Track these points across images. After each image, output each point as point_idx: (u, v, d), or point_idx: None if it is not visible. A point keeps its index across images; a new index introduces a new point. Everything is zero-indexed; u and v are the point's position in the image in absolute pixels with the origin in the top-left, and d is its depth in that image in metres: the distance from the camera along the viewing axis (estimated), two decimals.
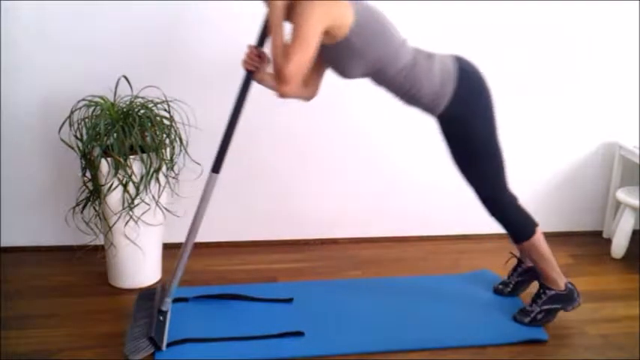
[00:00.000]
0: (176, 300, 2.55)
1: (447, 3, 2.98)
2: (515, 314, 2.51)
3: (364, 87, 2.40)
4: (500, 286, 2.74)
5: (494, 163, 2.37)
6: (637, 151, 3.12)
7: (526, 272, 2.71)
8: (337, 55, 2.17)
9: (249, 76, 2.26)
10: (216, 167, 2.32)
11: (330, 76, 2.32)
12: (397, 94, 2.29)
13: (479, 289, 2.75)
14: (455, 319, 2.51)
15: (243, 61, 2.23)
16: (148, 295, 2.55)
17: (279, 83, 2.06)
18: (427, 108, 2.30)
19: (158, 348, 2.24)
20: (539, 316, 2.47)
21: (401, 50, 2.20)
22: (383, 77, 2.24)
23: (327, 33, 2.08)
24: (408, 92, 2.25)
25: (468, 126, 2.32)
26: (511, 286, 2.72)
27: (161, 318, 2.36)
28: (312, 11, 2.02)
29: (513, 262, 2.76)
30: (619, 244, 3.12)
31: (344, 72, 2.22)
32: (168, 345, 2.27)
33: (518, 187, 3.28)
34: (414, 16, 2.98)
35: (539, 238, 2.46)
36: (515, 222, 2.45)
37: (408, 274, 2.92)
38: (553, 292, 2.48)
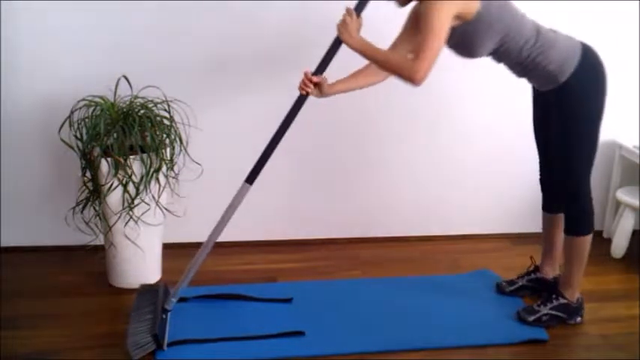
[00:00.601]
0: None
1: None
2: (520, 311, 2.51)
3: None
4: (504, 284, 2.74)
5: (589, 149, 2.39)
6: (637, 151, 3.12)
7: (538, 281, 2.72)
8: (466, 34, 2.22)
9: (302, 98, 2.33)
10: (251, 179, 2.39)
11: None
12: (523, 63, 2.32)
13: (479, 289, 2.75)
14: (455, 319, 2.51)
15: (299, 87, 2.31)
16: (150, 290, 2.53)
17: (412, 82, 2.14)
18: (551, 75, 2.31)
19: (160, 347, 2.24)
20: (545, 318, 2.47)
21: (524, 21, 2.27)
22: (511, 49, 2.28)
23: (455, 18, 2.15)
24: (534, 60, 2.29)
25: (583, 102, 2.34)
26: (515, 286, 2.72)
27: (164, 317, 2.36)
28: (441, 7, 2.09)
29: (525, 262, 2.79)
30: (619, 244, 3.11)
31: (472, 50, 2.28)
32: (168, 345, 2.27)
33: (518, 187, 3.30)
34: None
35: (588, 241, 2.49)
36: (584, 213, 2.47)
37: (408, 274, 2.92)
38: (565, 301, 2.50)
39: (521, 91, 3.18)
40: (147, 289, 2.55)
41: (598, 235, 3.42)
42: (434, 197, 3.27)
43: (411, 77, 2.12)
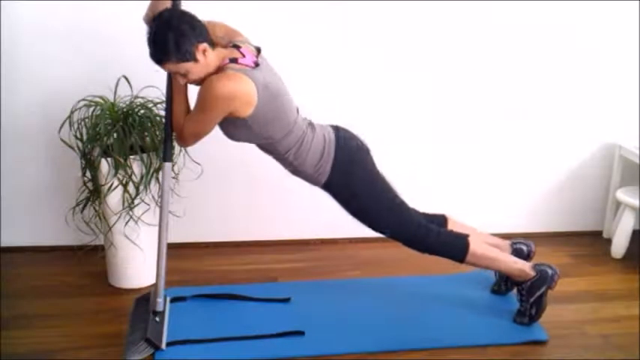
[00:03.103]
0: (175, 300, 2.56)
1: (448, 3, 2.98)
2: (515, 317, 2.50)
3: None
4: (495, 287, 2.74)
5: (384, 206, 2.37)
6: (637, 151, 3.12)
7: None
8: (230, 123, 2.19)
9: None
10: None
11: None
12: (284, 165, 2.37)
13: (479, 289, 2.75)
14: (454, 319, 2.51)
15: None
16: (143, 300, 2.51)
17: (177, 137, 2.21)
18: (310, 179, 2.35)
19: (157, 348, 2.24)
20: (533, 311, 2.46)
21: (292, 131, 2.25)
22: (271, 150, 2.31)
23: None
24: (292, 164, 2.31)
25: (350, 188, 2.34)
26: (502, 286, 2.72)
27: (157, 319, 2.35)
28: (215, 104, 2.08)
29: None
30: (619, 244, 3.11)
31: (230, 136, 2.26)
32: (168, 345, 2.27)
33: (518, 187, 3.31)
34: (414, 16, 2.98)
35: (474, 248, 2.41)
36: (442, 249, 2.43)
37: (408, 274, 2.91)
38: (528, 283, 2.46)
39: (522, 92, 3.19)
40: (140, 302, 2.52)
41: (598, 235, 3.43)
42: (434, 198, 3.26)
43: (179, 134, 2.20)
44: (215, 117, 2.12)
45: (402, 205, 2.40)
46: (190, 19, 2.09)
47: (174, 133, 2.24)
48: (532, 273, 2.45)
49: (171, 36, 2.05)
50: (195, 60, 2.08)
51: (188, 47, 2.06)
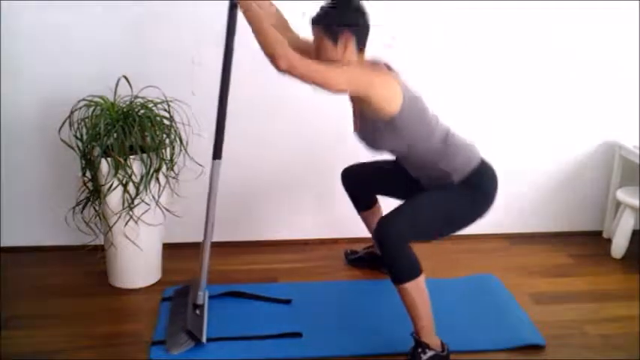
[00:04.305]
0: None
1: (448, 3, 2.98)
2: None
3: None
4: (349, 252, 3.00)
5: (424, 225, 2.29)
6: (637, 151, 3.12)
7: (371, 255, 2.92)
8: (375, 129, 2.22)
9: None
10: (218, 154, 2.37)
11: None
12: (422, 169, 2.34)
13: (477, 294, 2.74)
14: (453, 324, 2.49)
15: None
16: (183, 292, 2.57)
17: (274, 63, 2.03)
18: (441, 179, 2.31)
19: (197, 340, 2.26)
20: None
21: (436, 132, 2.29)
22: (413, 155, 2.31)
23: (370, 103, 2.15)
24: (435, 166, 2.29)
25: (451, 195, 2.29)
26: (356, 256, 2.95)
27: (197, 312, 2.39)
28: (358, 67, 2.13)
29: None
30: (619, 244, 3.11)
31: (376, 146, 2.30)
32: (161, 344, 2.28)
33: (518, 186, 3.30)
34: (413, 17, 2.98)
35: (422, 282, 2.24)
36: (399, 260, 2.20)
37: None
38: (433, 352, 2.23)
39: (521, 91, 3.19)
40: (179, 293, 2.58)
41: (598, 235, 3.43)
42: None
43: (275, 58, 2.01)
44: (357, 76, 2.10)
45: (421, 235, 2.33)
46: (362, 13, 2.19)
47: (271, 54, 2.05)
48: (436, 348, 2.23)
49: (335, 8, 2.16)
50: (335, 43, 2.14)
51: (337, 27, 2.13)
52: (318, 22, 2.18)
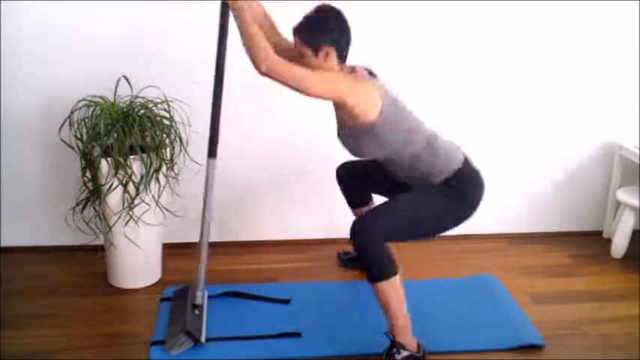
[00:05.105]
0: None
1: (449, 3, 2.97)
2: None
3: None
4: (342, 253, 3.00)
5: (406, 226, 2.30)
6: (637, 151, 3.11)
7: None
8: (357, 135, 2.23)
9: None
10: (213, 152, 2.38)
11: None
12: (403, 171, 2.34)
13: (476, 294, 2.73)
14: (452, 324, 2.50)
15: None
16: (182, 292, 2.57)
17: (256, 67, 2.09)
18: (422, 180, 2.32)
19: (197, 341, 2.26)
20: None
21: (418, 137, 2.28)
22: (394, 159, 2.32)
23: (348, 110, 2.16)
24: (416, 169, 2.30)
25: (429, 195, 2.29)
26: (348, 257, 2.94)
27: (196, 312, 2.39)
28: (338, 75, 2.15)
29: None
30: (619, 244, 3.11)
31: (358, 152, 2.32)
32: (159, 344, 2.28)
33: (518, 187, 3.30)
34: (415, 17, 2.98)
35: (397, 281, 2.25)
36: (374, 256, 2.21)
37: (406, 278, 2.90)
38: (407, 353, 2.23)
39: (521, 91, 3.19)
40: (179, 294, 2.58)
41: (598, 235, 3.42)
42: None
43: (257, 61, 2.08)
44: (325, 80, 2.13)
45: (404, 234, 2.34)
46: (344, 26, 2.20)
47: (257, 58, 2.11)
48: (412, 349, 2.23)
49: (315, 22, 2.17)
50: (316, 55, 2.17)
51: (318, 40, 2.15)
52: (298, 32, 2.19)
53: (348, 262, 2.97)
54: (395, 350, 2.21)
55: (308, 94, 2.12)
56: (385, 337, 2.25)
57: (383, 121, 2.18)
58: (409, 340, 2.24)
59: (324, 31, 2.16)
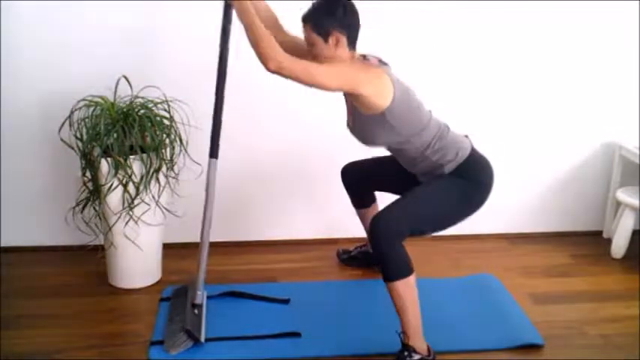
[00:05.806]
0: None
1: (449, 3, 2.97)
2: None
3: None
4: (341, 251, 3.00)
5: (430, 219, 2.31)
6: (637, 151, 3.11)
7: (364, 254, 2.92)
8: (367, 124, 2.24)
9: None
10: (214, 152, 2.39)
11: None
12: (415, 162, 2.35)
13: (476, 294, 2.74)
14: (452, 324, 2.50)
15: None
16: (181, 291, 2.57)
17: (264, 64, 2.07)
18: (433, 171, 2.34)
19: (196, 340, 2.26)
20: None
21: (429, 125, 2.30)
22: (405, 148, 2.32)
23: (361, 100, 2.17)
24: (427, 159, 2.32)
25: (443, 185, 2.31)
26: (348, 255, 2.95)
27: (196, 311, 2.39)
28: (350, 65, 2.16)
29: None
30: (619, 244, 3.11)
31: (369, 141, 2.32)
32: (158, 344, 2.28)
33: (518, 187, 3.30)
34: (415, 17, 2.98)
35: (412, 281, 2.23)
36: (391, 258, 2.20)
37: None
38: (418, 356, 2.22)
39: (521, 92, 3.19)
40: (178, 292, 2.58)
41: (598, 235, 3.42)
42: None
43: (265, 59, 2.05)
44: (349, 76, 2.13)
45: (422, 224, 2.32)
46: (352, 11, 2.21)
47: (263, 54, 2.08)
48: (423, 352, 2.22)
49: (323, 8, 2.17)
50: (326, 41, 2.17)
51: (328, 26, 2.15)
52: (307, 20, 2.20)
53: (347, 260, 2.98)
54: (407, 354, 2.20)
55: (320, 89, 2.11)
56: (397, 335, 2.24)
57: (395, 109, 2.19)
58: (420, 342, 2.23)
59: (333, 16, 2.16)
